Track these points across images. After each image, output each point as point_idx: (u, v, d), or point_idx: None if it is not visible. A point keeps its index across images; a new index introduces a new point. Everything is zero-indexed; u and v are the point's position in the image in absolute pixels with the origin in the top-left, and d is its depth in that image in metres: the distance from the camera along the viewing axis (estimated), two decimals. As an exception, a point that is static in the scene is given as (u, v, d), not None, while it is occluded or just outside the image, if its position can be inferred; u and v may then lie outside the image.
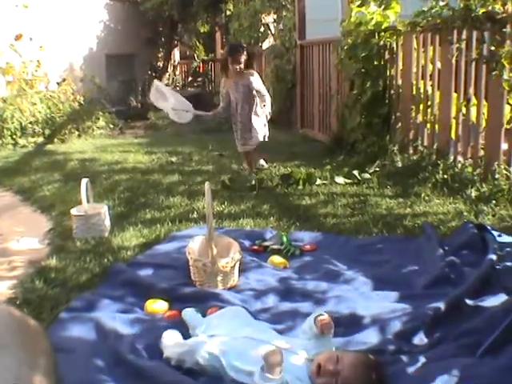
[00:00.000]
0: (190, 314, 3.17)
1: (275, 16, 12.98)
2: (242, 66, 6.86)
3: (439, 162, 6.28)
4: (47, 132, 10.81)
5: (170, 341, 2.87)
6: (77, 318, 3.23)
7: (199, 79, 16.93)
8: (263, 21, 13.06)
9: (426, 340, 2.93)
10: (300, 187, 6.30)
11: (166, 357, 2.77)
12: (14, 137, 10.31)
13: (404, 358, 2.74)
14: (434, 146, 6.59)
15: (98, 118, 11.93)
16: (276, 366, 2.34)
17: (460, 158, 6.22)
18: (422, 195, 5.66)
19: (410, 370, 2.62)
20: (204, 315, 3.21)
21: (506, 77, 5.28)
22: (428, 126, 6.79)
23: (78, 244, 4.67)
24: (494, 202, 5.22)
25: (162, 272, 3.97)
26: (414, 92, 6.96)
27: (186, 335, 2.98)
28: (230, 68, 6.93)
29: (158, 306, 3.40)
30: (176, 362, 2.70)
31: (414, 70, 6.94)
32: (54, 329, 3.10)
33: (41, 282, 3.86)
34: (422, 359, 2.68)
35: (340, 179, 6.42)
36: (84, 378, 2.57)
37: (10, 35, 11.93)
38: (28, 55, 11.56)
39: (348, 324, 3.06)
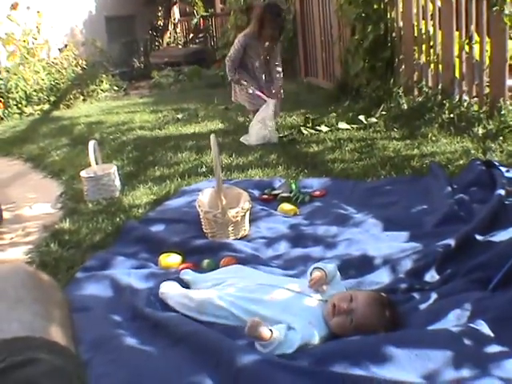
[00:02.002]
0: (189, 273, 3.15)
1: (273, -35, 12.82)
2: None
3: (445, 101, 6.26)
4: (52, 99, 10.80)
5: (173, 290, 2.88)
6: (92, 276, 3.27)
7: (200, 35, 16.80)
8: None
9: (437, 277, 2.95)
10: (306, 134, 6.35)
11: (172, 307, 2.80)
12: (20, 106, 10.30)
13: (416, 296, 2.76)
14: (439, 86, 6.56)
15: (102, 81, 11.90)
16: (260, 331, 2.32)
17: (465, 97, 6.19)
18: (429, 136, 5.66)
19: (423, 306, 2.65)
20: (218, 266, 3.25)
21: (507, 12, 5.22)
22: (431, 66, 6.75)
23: (90, 205, 4.71)
24: (501, 138, 5.22)
25: (173, 226, 4.00)
26: (416, 33, 6.91)
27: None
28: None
29: (171, 260, 3.43)
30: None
31: (415, 10, 6.87)
32: (70, 289, 3.14)
33: (56, 244, 3.91)
34: (434, 295, 2.71)
35: (343, 125, 6.43)
36: (103, 333, 2.61)
37: (7, 6, 11.85)
38: (27, 24, 11.49)
39: (359, 265, 3.08)
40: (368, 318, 2.44)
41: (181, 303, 2.78)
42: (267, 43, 6.58)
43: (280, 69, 6.84)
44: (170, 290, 2.90)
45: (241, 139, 6.38)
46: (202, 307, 2.68)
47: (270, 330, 2.32)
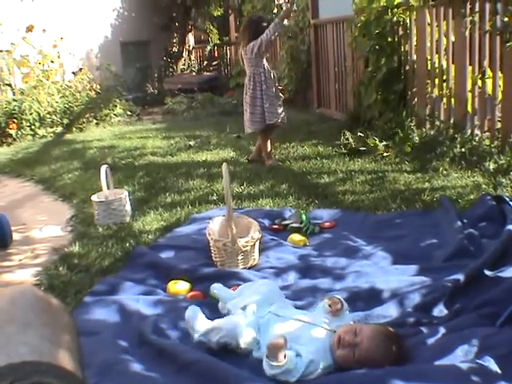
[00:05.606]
0: (218, 288, 3.16)
1: (288, -4, 12.89)
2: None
3: (456, 135, 6.28)
4: (65, 121, 10.86)
5: (199, 325, 2.78)
6: (100, 301, 3.28)
7: (214, 63, 16.89)
8: (276, 2, 12.99)
9: (445, 311, 2.94)
10: (318, 165, 6.34)
11: (198, 341, 2.72)
12: (33, 128, 10.35)
13: (424, 330, 2.75)
14: (451, 120, 6.58)
15: (116, 106, 11.95)
16: (278, 353, 2.37)
17: (477, 131, 6.20)
18: (440, 169, 5.66)
19: (430, 341, 2.63)
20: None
21: (520, 47, 5.26)
22: (444, 100, 6.77)
23: (100, 230, 4.73)
24: (512, 173, 5.22)
25: (183, 254, 4.01)
26: (429, 67, 6.94)
27: (209, 315, 2.98)
28: None
29: (180, 287, 3.43)
30: (215, 345, 2.69)
31: (428, 44, 6.91)
32: (78, 313, 3.15)
33: (64, 268, 3.93)
34: (442, 330, 2.69)
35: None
36: (109, 358, 2.60)
37: (24, 28, 11.96)
38: (43, 47, 11.59)
39: (367, 298, 3.08)
40: (372, 352, 2.43)
41: (209, 336, 2.71)
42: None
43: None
44: (195, 322, 2.80)
45: None
46: (233, 335, 2.67)
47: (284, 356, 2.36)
